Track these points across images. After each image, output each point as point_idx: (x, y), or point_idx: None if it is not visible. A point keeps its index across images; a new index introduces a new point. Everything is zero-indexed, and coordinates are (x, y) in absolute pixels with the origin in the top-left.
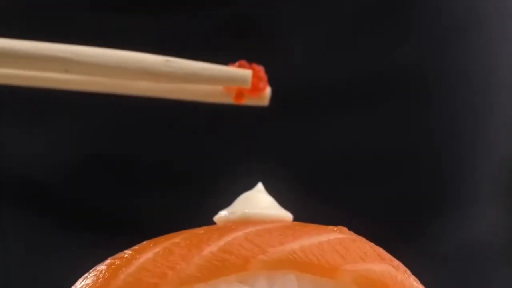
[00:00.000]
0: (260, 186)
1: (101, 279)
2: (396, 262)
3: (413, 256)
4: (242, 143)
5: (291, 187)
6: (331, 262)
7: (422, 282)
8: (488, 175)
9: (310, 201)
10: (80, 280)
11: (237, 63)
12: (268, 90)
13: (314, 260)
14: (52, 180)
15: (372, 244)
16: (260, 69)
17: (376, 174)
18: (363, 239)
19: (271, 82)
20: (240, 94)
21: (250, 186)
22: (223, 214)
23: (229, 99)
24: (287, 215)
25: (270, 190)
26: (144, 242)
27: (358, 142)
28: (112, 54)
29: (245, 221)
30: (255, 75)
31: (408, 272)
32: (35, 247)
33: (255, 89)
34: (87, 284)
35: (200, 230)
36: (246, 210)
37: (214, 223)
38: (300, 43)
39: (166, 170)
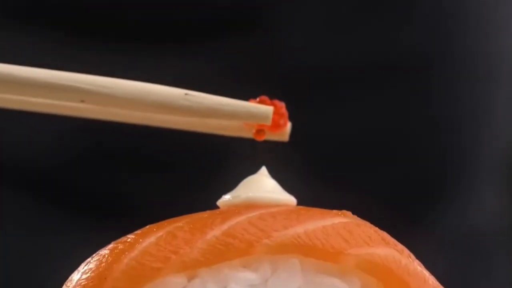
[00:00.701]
0: (263, 170)
1: (104, 264)
2: (400, 246)
3: (416, 241)
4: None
5: (295, 171)
6: (335, 246)
7: (425, 267)
8: (489, 162)
9: (314, 186)
10: (83, 264)
11: (258, 99)
12: (288, 126)
13: (318, 244)
14: (53, 165)
15: (377, 228)
16: (282, 106)
17: (378, 160)
18: (367, 223)
19: (274, 66)
20: (260, 130)
21: (253, 170)
22: (226, 198)
23: (249, 134)
24: (291, 199)
25: (273, 174)
26: (147, 226)
27: (360, 127)
28: (130, 86)
29: (248, 205)
30: (276, 112)
31: (412, 256)
32: (36, 232)
33: (276, 125)
34: (90, 269)
35: (203, 214)
36: (250, 194)
37: (217, 207)
38: (301, 27)
39: (169, 154)
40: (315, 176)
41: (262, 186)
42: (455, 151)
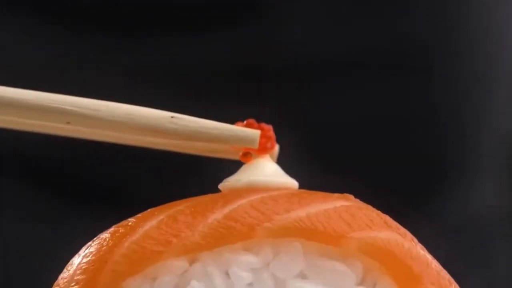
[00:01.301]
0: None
1: (105, 247)
2: (403, 230)
3: (417, 228)
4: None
5: (296, 155)
6: (337, 230)
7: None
8: (490, 149)
9: (315, 169)
10: (83, 248)
11: (245, 122)
12: (276, 149)
13: (320, 228)
14: (50, 153)
15: (379, 211)
16: (269, 129)
17: (379, 147)
18: (369, 207)
19: (277, 53)
20: (247, 153)
21: None
22: (228, 181)
23: (236, 157)
24: (293, 183)
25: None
26: (148, 210)
27: (361, 114)
28: (115, 108)
29: (250, 189)
30: (263, 135)
31: (415, 240)
32: (34, 219)
33: (263, 149)
34: (91, 252)
35: (205, 198)
36: (252, 178)
37: (219, 191)
38: (301, 16)
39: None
40: (317, 160)
41: (264, 169)
42: (455, 139)
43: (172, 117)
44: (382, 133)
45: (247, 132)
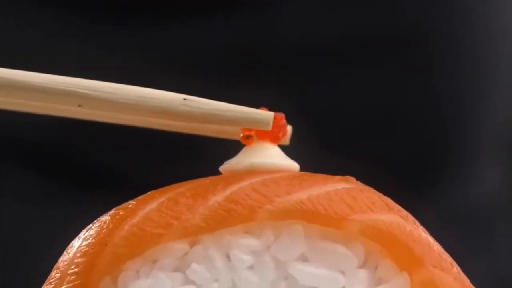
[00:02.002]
0: None
1: (105, 230)
2: (405, 212)
3: (417, 214)
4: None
5: (298, 138)
6: (338, 212)
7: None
8: (492, 135)
9: (317, 152)
10: (84, 231)
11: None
12: (289, 131)
13: (321, 210)
14: (48, 137)
15: (380, 194)
16: (281, 117)
17: (380, 131)
18: (371, 189)
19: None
20: (249, 136)
21: None
22: (229, 164)
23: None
24: (294, 165)
25: None
26: (149, 192)
27: (363, 98)
28: (128, 91)
29: (251, 171)
30: (275, 124)
31: (417, 223)
32: (33, 203)
33: (276, 138)
34: (91, 235)
35: (205, 180)
36: (253, 160)
37: (220, 173)
38: (304, 1)
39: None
40: (319, 143)
41: (265, 152)
42: (457, 125)
43: (184, 99)
44: (385, 117)
45: (260, 114)
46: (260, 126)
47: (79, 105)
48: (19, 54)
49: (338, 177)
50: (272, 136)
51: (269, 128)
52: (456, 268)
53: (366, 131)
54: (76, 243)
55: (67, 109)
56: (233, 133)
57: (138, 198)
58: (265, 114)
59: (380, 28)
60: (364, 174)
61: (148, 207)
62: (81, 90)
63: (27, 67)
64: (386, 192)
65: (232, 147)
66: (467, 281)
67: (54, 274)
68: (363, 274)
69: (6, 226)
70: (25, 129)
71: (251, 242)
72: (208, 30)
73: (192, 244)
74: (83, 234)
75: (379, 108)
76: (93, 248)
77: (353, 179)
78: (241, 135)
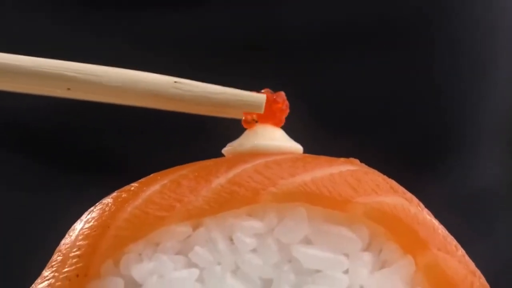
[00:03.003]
0: None
1: (107, 212)
2: (409, 195)
3: (422, 194)
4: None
5: (301, 120)
6: (342, 194)
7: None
8: (494, 121)
9: (321, 135)
10: (86, 213)
11: (262, 91)
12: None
13: (325, 192)
14: (46, 122)
15: (385, 176)
16: (283, 100)
17: (385, 112)
18: (375, 171)
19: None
20: (250, 119)
21: None
22: (232, 146)
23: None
24: (298, 147)
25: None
26: (152, 175)
27: (365, 83)
28: (117, 73)
29: (254, 153)
30: (277, 107)
31: (421, 205)
32: (32, 189)
33: (278, 122)
34: (93, 218)
35: (208, 162)
36: (256, 142)
37: (222, 155)
38: None
39: None
40: (322, 126)
41: (268, 134)
42: (460, 110)
43: (175, 82)
44: (389, 100)
45: (253, 96)
46: (253, 109)
47: (68, 89)
48: (7, 37)
49: (342, 159)
50: (274, 119)
51: (262, 111)
52: (461, 251)
53: (370, 115)
54: (78, 225)
55: (56, 92)
56: (235, 113)
57: (140, 180)
58: (258, 97)
59: (382, 14)
60: (368, 156)
61: (151, 189)
62: (69, 73)
63: (15, 51)
64: (389, 175)
65: (235, 129)
66: (471, 264)
67: (56, 257)
68: (367, 257)
69: (7, 210)
70: (26, 114)
71: (254, 224)
72: (208, 14)
73: (195, 227)
74: (85, 217)
75: (382, 92)
76: (95, 231)
77: (357, 161)
78: (243, 118)
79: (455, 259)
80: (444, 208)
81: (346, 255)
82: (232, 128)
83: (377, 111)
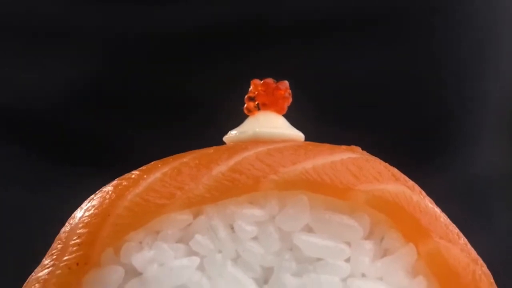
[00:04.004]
0: None
1: (107, 200)
2: (411, 182)
3: (423, 182)
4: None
5: (303, 108)
6: (344, 182)
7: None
8: (495, 109)
9: (322, 122)
10: (86, 201)
11: (262, 81)
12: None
13: (327, 180)
14: (47, 113)
15: (386, 164)
16: (286, 88)
17: (386, 101)
18: (377, 159)
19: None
20: (252, 106)
21: None
22: (233, 133)
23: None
24: (299, 135)
25: None
26: (152, 162)
27: (367, 67)
28: None
29: (255, 141)
30: (280, 95)
31: (423, 193)
32: (32, 178)
33: (281, 109)
34: (93, 206)
35: (209, 150)
36: (257, 130)
37: (223, 143)
38: None
39: (172, 92)
40: (324, 114)
41: (270, 122)
42: (462, 99)
43: None
44: (391, 89)
45: None
46: None
47: None
48: None
49: (343, 147)
50: (276, 106)
51: None
52: (463, 239)
53: (371, 104)
54: (78, 214)
55: None
56: None
57: (141, 168)
58: None
59: (383, 1)
60: (370, 146)
61: (152, 177)
62: None
63: None
64: (391, 163)
65: (235, 117)
66: (473, 252)
67: (56, 245)
68: (368, 245)
69: (7, 198)
70: (19, 104)
71: (256, 212)
72: (203, 1)
73: (195, 215)
74: (85, 205)
75: (383, 82)
76: (95, 219)
77: (358, 148)
78: (245, 105)
79: (457, 247)
80: (445, 197)
81: (348, 243)
82: (234, 115)
83: (379, 101)
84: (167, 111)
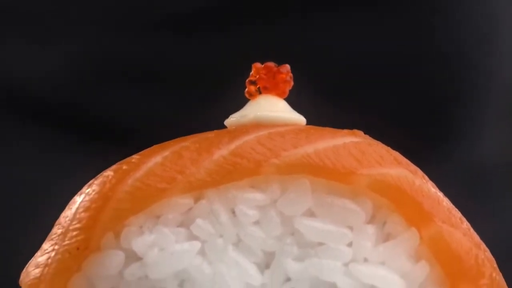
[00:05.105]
0: None
1: (108, 184)
2: (413, 167)
3: (427, 168)
4: (253, 50)
5: (304, 91)
6: (346, 166)
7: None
8: (500, 97)
9: (324, 106)
10: (86, 186)
11: (263, 65)
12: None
13: (329, 164)
14: (53, 89)
15: (389, 148)
16: (288, 72)
17: (390, 85)
18: (379, 143)
19: None
20: (253, 90)
21: None
22: (234, 117)
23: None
24: (301, 119)
25: None
26: (153, 146)
27: (370, 51)
28: None
29: (257, 125)
30: (281, 79)
31: (426, 177)
32: (37, 157)
33: (282, 93)
34: (94, 190)
35: (210, 134)
36: (258, 113)
37: (225, 127)
38: None
39: (173, 74)
40: (325, 97)
41: (271, 105)
42: (466, 86)
43: None
44: (394, 72)
45: None
46: None
47: None
48: None
49: (345, 130)
50: (277, 90)
51: None
52: (466, 224)
53: (374, 87)
54: (78, 198)
55: None
56: None
57: (141, 152)
58: None
59: None
60: (373, 132)
61: (152, 161)
62: None
63: None
64: (393, 147)
65: (236, 101)
66: (476, 236)
67: (56, 230)
68: (371, 229)
69: (8, 182)
70: (27, 83)
71: (257, 196)
72: None
73: (196, 199)
74: (85, 189)
75: (386, 65)
76: (96, 203)
77: (361, 132)
78: (246, 89)
79: (460, 232)
80: (449, 183)
81: (350, 227)
82: (235, 99)
83: (382, 86)
84: (172, 94)
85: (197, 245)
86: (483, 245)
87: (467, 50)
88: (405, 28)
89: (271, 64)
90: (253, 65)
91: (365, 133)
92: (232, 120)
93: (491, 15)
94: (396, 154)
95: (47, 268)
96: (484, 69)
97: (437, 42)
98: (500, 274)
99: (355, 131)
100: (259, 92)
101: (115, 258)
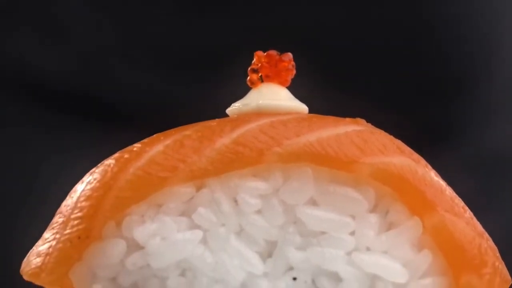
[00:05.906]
0: None
1: (109, 173)
2: (416, 155)
3: (433, 160)
4: (255, 35)
5: (307, 79)
6: (348, 155)
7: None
8: (508, 86)
9: (327, 94)
10: (87, 174)
11: (265, 53)
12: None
13: (331, 153)
14: (59, 72)
15: (391, 136)
16: (290, 60)
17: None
18: (382, 132)
19: None
20: (255, 78)
21: None
22: (236, 106)
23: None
24: (303, 107)
25: None
26: (154, 135)
27: (375, 39)
28: None
29: (259, 113)
30: (284, 67)
31: (429, 166)
32: (40, 142)
33: (284, 81)
34: (95, 179)
35: (212, 122)
36: (260, 102)
37: (226, 115)
38: None
39: (178, 62)
40: (329, 85)
41: (273, 94)
42: (477, 76)
43: None
44: (399, 61)
45: None
46: None
47: None
48: None
49: (348, 119)
50: (280, 78)
51: None
52: (469, 213)
53: (378, 75)
54: (79, 187)
55: None
56: None
57: (143, 140)
58: None
59: None
60: (381, 122)
61: (154, 149)
62: None
63: None
64: (403, 140)
65: (238, 90)
66: (479, 225)
67: (57, 219)
68: (373, 218)
69: (9, 169)
70: (32, 64)
71: (259, 185)
72: None
73: (198, 188)
74: (86, 178)
75: (393, 53)
76: (97, 192)
77: (363, 121)
78: (248, 77)
79: (463, 221)
80: (458, 172)
81: (352, 216)
82: (237, 88)
83: (386, 75)
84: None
85: (199, 234)
86: (486, 234)
87: (476, 39)
88: (410, 17)
89: (273, 52)
90: (255, 53)
91: (367, 122)
92: (234, 108)
93: (497, 6)
94: (399, 142)
95: (48, 257)
96: (494, 57)
97: (445, 29)
98: (503, 263)
99: (358, 119)
100: (261, 80)
101: (117, 247)
